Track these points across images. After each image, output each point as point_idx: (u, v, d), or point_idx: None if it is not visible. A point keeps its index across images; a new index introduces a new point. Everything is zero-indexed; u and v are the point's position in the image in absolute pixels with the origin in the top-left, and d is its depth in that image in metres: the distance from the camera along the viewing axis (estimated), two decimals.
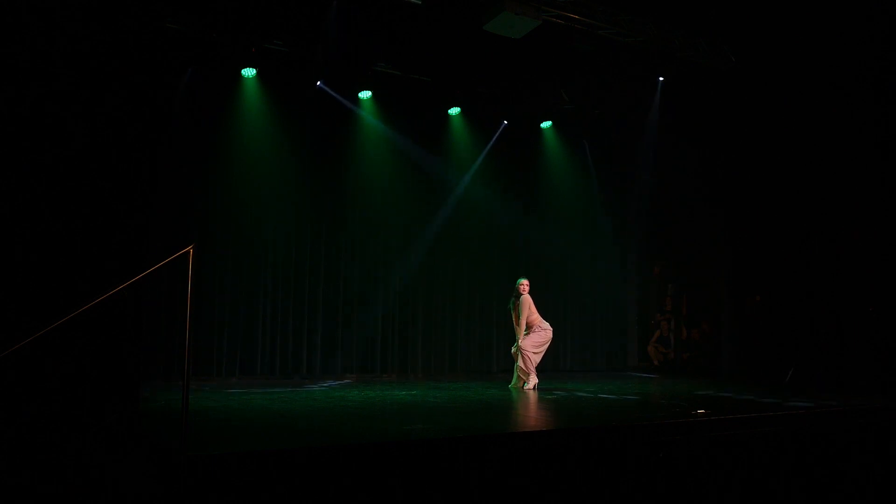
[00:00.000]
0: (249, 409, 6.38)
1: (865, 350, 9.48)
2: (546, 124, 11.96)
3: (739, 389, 8.70)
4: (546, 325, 8.74)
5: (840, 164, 9.92)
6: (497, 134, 11.62)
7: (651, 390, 8.93)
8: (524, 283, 8.78)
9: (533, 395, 7.87)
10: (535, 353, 8.64)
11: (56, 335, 4.39)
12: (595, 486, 4.91)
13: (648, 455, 5.21)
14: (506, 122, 11.61)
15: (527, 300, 8.67)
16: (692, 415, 5.92)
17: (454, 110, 11.14)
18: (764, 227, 10.89)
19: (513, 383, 8.74)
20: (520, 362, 8.63)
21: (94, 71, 5.34)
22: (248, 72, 9.45)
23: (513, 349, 8.78)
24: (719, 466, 5.43)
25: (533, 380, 8.55)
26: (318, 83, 9.96)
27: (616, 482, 4.99)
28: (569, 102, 11.69)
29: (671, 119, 11.50)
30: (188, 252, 4.30)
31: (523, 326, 8.61)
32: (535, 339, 8.63)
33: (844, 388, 8.44)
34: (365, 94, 10.36)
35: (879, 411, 6.70)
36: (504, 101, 11.28)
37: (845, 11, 9.10)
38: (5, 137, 5.12)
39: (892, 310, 9.41)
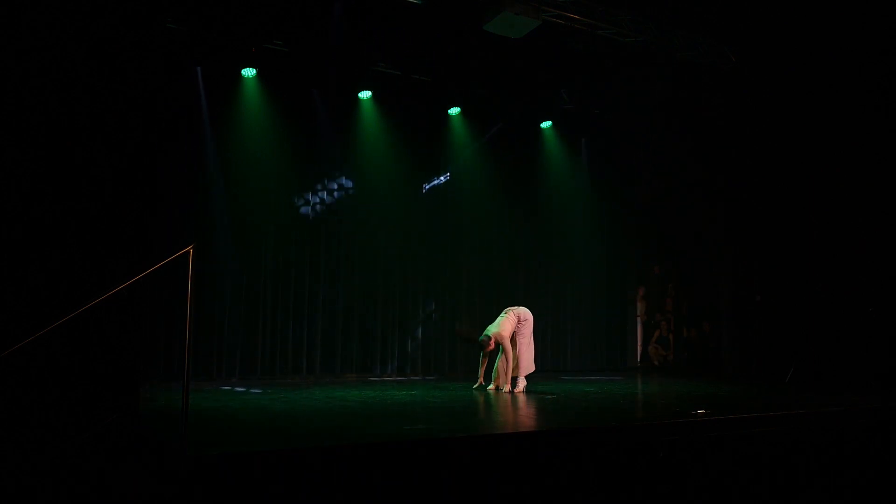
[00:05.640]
0: (249, 409, 6.38)
1: (865, 350, 9.48)
2: (546, 124, 11.96)
3: (739, 389, 8.70)
4: (523, 313, 8.29)
5: (840, 164, 9.92)
6: (491, 133, 11.56)
7: (651, 390, 8.93)
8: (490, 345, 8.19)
9: (532, 396, 7.86)
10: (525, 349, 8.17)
11: (56, 335, 4.39)
12: (595, 486, 4.90)
13: (648, 455, 5.21)
14: (501, 123, 11.57)
15: (501, 338, 8.11)
16: (692, 415, 5.92)
17: (454, 110, 11.14)
18: (764, 226, 10.90)
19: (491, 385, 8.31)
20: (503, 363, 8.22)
21: (95, 71, 5.34)
22: (248, 72, 9.45)
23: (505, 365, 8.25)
24: (719, 466, 5.43)
25: (522, 382, 8.17)
26: (318, 83, 9.96)
27: (616, 482, 4.99)
28: (569, 102, 11.69)
29: (671, 118, 11.50)
30: (188, 252, 4.30)
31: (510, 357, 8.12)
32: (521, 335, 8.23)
33: (844, 388, 8.43)
34: (365, 94, 10.36)
35: (879, 411, 6.70)
36: (504, 102, 11.28)
37: (846, 10, 9.11)
38: (5, 137, 5.12)
39: (892, 310, 9.42)
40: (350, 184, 10.51)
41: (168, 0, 7.93)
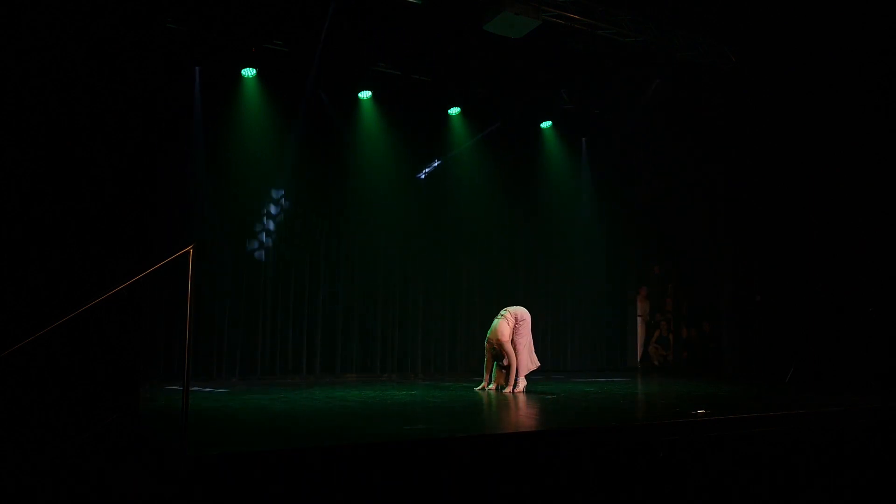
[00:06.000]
0: (249, 409, 6.38)
1: (865, 350, 9.48)
2: (546, 124, 11.96)
3: (740, 389, 8.70)
4: (521, 313, 8.30)
5: (840, 164, 9.92)
6: (488, 131, 11.51)
7: (651, 390, 8.93)
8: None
9: (532, 396, 7.86)
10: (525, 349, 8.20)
11: (56, 335, 4.39)
12: (595, 487, 4.90)
13: (648, 455, 5.21)
14: (499, 122, 11.56)
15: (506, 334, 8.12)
16: (692, 415, 5.92)
17: (454, 110, 11.14)
18: (764, 226, 10.90)
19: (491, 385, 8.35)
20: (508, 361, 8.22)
21: (95, 71, 5.34)
22: (248, 72, 9.46)
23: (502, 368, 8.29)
24: (719, 466, 5.43)
25: (522, 382, 8.17)
26: (319, 83, 9.95)
27: (616, 482, 4.99)
28: (569, 102, 11.69)
29: (671, 118, 11.50)
30: (188, 252, 4.30)
31: (513, 362, 8.13)
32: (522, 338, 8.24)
33: (844, 388, 8.43)
34: (365, 94, 10.37)
35: (879, 411, 6.70)
36: (504, 102, 11.28)
37: (846, 10, 9.11)
38: (5, 137, 5.12)
39: (892, 310, 9.41)
40: (350, 183, 10.50)
41: (168, 0, 7.93)
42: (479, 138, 11.42)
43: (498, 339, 8.09)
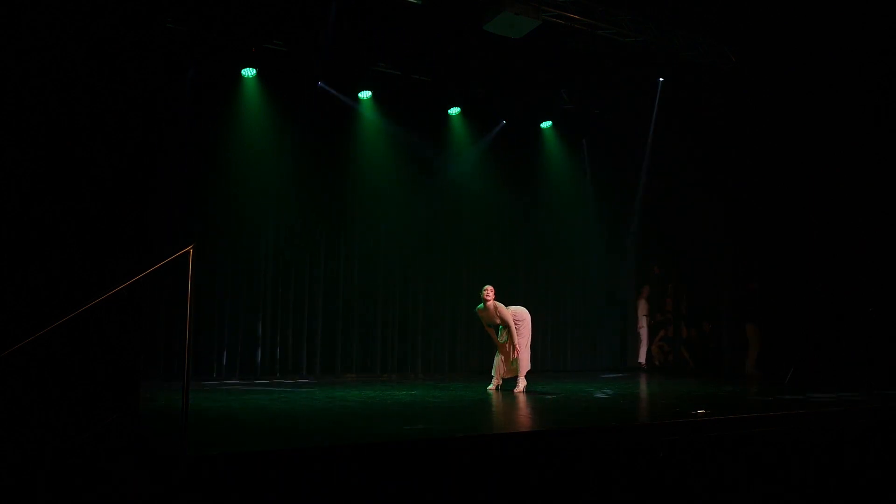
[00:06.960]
0: (249, 409, 6.38)
1: (865, 350, 9.47)
2: (546, 124, 11.97)
3: (740, 389, 8.70)
4: (520, 313, 8.27)
5: (840, 164, 9.92)
6: (494, 133, 11.56)
7: (651, 390, 8.93)
8: (488, 289, 8.09)
9: (532, 396, 7.86)
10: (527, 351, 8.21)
11: (56, 335, 4.38)
12: (595, 487, 4.90)
13: (648, 455, 5.21)
14: (504, 121, 11.59)
15: (502, 309, 8.06)
16: (692, 415, 5.92)
17: (454, 110, 11.14)
18: (764, 226, 10.90)
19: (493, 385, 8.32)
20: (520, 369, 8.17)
21: (95, 71, 5.34)
22: (248, 72, 9.46)
23: (503, 360, 8.23)
24: (719, 466, 5.43)
25: (522, 382, 8.10)
26: (319, 83, 9.96)
27: (616, 482, 4.99)
28: (569, 102, 11.69)
29: (671, 118, 11.50)
30: (188, 252, 4.30)
31: (515, 337, 8.07)
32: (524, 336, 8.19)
33: (844, 388, 8.43)
34: (365, 94, 10.37)
35: (879, 411, 6.70)
36: (504, 102, 11.29)
37: (845, 10, 9.11)
38: (5, 137, 5.12)
39: (892, 310, 9.41)
40: (350, 184, 10.51)
41: (168, 0, 7.93)
42: (488, 140, 11.45)
43: (499, 313, 8.05)
